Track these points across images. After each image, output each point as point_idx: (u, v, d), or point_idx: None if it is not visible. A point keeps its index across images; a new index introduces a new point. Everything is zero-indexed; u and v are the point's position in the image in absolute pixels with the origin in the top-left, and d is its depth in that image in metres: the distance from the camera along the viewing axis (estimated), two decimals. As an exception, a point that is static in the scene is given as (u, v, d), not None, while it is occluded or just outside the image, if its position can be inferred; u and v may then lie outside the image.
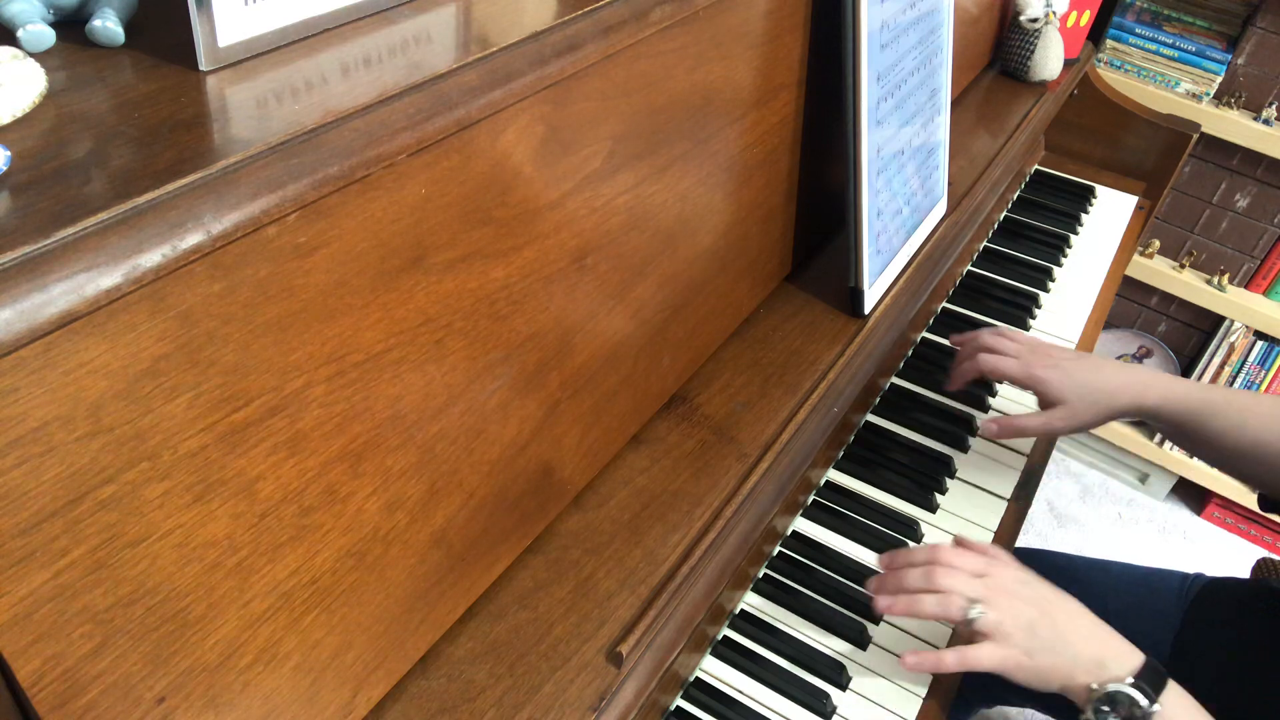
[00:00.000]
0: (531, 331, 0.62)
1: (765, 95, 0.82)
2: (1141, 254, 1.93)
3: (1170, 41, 1.77)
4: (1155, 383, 0.89)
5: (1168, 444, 1.98)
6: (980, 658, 0.70)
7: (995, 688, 0.74)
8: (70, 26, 0.48)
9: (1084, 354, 0.95)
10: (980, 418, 1.05)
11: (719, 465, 0.80)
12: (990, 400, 1.07)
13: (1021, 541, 1.07)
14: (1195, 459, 1.98)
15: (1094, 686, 0.68)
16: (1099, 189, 1.47)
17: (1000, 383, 1.08)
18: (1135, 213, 1.44)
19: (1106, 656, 0.70)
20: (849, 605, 0.84)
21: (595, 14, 0.59)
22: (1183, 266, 1.92)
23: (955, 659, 0.71)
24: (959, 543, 0.78)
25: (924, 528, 0.91)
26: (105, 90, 0.45)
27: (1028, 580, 0.74)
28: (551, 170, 0.59)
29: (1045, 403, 0.92)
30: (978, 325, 1.17)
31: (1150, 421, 0.91)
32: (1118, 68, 1.83)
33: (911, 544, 0.89)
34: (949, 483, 0.97)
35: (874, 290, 0.97)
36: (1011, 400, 1.08)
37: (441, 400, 0.56)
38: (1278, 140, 1.70)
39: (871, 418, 1.03)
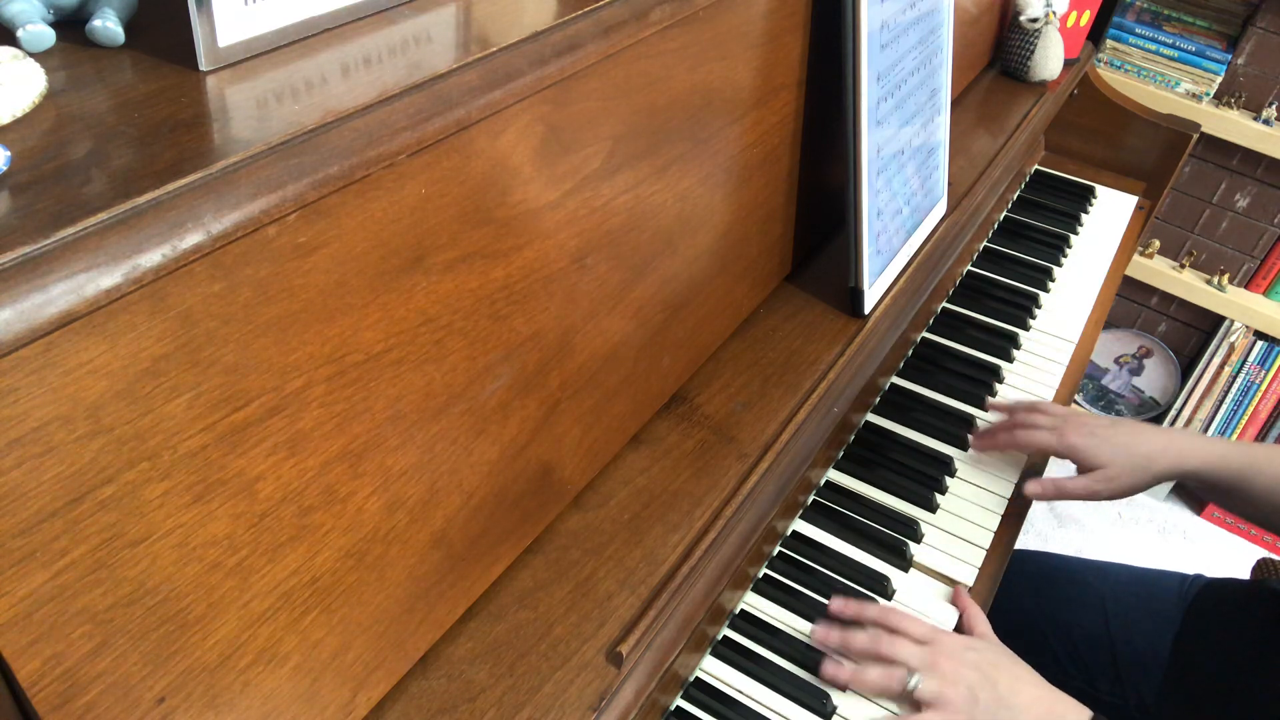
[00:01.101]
0: (531, 331, 0.62)
1: (765, 95, 0.82)
2: (1141, 254, 1.93)
3: (1170, 41, 1.77)
4: (1194, 445, 0.89)
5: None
6: None
7: None
8: (70, 26, 0.48)
9: (1121, 420, 0.95)
10: (980, 416, 1.05)
11: (719, 465, 0.80)
12: (990, 400, 1.07)
13: (1021, 542, 1.07)
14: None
15: None
16: (1099, 189, 1.47)
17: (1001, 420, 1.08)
18: (1135, 213, 1.44)
19: (1054, 715, 0.71)
20: (849, 605, 0.84)
21: (595, 14, 0.59)
22: (1183, 266, 1.92)
23: None
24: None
25: (924, 527, 0.91)
26: (105, 90, 0.45)
27: (973, 645, 0.76)
28: (551, 170, 0.59)
29: (1084, 469, 0.92)
30: (978, 325, 1.17)
31: (1190, 483, 0.90)
32: (1118, 68, 1.84)
33: (911, 544, 0.89)
34: (949, 482, 0.97)
35: (874, 290, 0.97)
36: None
37: (441, 400, 0.56)
38: (1278, 140, 1.70)
39: (871, 418, 1.03)
